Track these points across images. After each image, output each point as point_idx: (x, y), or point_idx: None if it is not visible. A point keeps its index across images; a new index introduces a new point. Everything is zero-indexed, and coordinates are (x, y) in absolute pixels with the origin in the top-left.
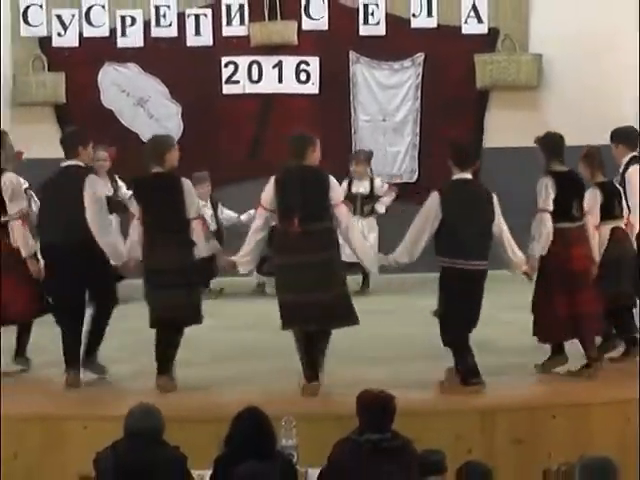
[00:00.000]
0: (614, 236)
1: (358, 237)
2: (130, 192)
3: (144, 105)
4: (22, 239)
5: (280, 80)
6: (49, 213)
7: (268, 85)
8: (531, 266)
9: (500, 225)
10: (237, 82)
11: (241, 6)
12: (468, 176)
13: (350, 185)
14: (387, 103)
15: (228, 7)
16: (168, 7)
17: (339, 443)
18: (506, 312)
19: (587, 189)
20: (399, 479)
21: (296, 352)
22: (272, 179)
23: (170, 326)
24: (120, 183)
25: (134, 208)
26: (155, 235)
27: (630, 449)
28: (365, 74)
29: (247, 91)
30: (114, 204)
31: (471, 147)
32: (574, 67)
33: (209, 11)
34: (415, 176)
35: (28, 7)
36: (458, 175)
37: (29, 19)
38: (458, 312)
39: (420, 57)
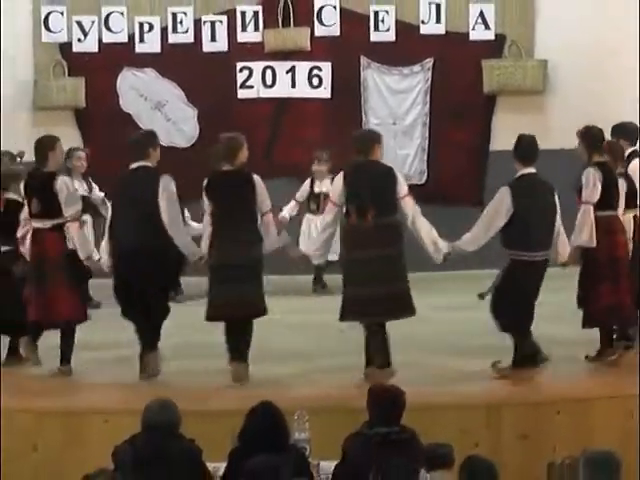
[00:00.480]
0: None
1: (426, 227)
2: (102, 194)
3: (161, 109)
4: (79, 241)
5: (293, 85)
6: (123, 214)
7: (281, 89)
8: (572, 256)
9: (558, 217)
10: (251, 87)
11: (255, 13)
12: (533, 170)
13: (312, 184)
14: (397, 107)
15: (243, 14)
16: (185, 14)
17: (350, 437)
18: None
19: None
20: (406, 470)
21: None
22: (340, 175)
23: (235, 319)
24: (94, 185)
25: (205, 205)
26: (226, 230)
27: (632, 443)
28: (376, 79)
29: (261, 95)
30: (87, 205)
31: (535, 143)
32: (578, 72)
33: (224, 18)
34: (424, 178)
35: (49, 14)
36: (524, 170)
37: (50, 25)
38: (523, 299)
39: (429, 62)
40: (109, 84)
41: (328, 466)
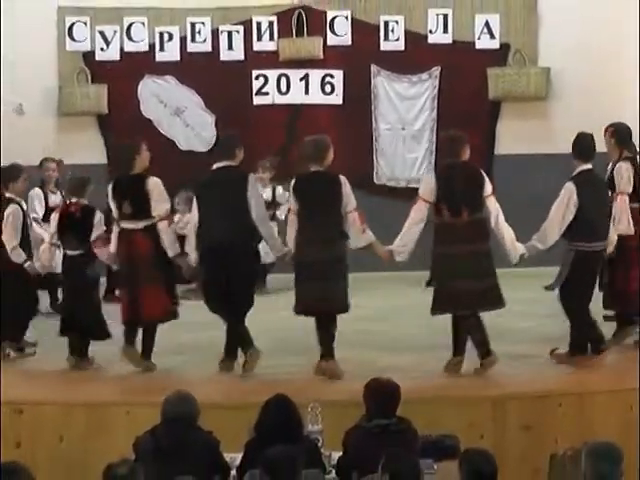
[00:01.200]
0: None
1: (507, 226)
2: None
3: (181, 115)
4: (168, 240)
5: (307, 92)
6: (214, 212)
7: (295, 96)
8: (612, 244)
9: None
10: (267, 93)
11: (271, 23)
12: (590, 166)
13: None
14: (406, 113)
15: (259, 24)
16: (203, 24)
17: (350, 431)
18: (518, 304)
19: None
20: (405, 458)
21: None
22: (431, 175)
23: (321, 314)
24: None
25: (291, 204)
26: (312, 228)
27: (631, 436)
28: (385, 86)
29: (276, 102)
30: None
31: (592, 141)
32: (580, 79)
33: (241, 28)
34: None
35: (73, 24)
36: (583, 166)
37: (74, 35)
38: (589, 288)
39: (436, 70)
40: (130, 91)
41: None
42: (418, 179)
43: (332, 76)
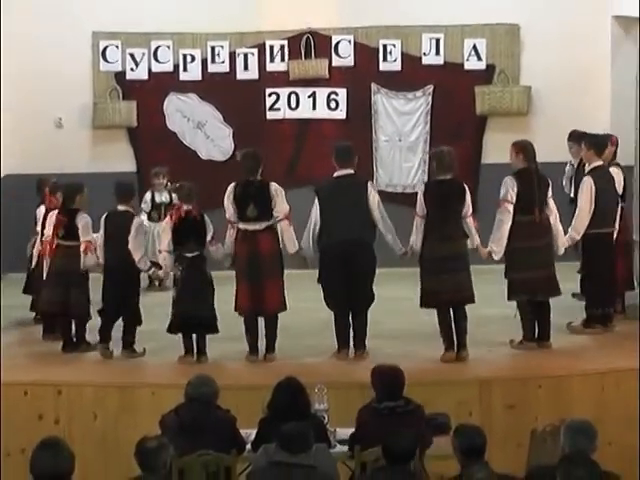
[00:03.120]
0: None
1: (559, 223)
2: None
3: (202, 128)
4: (289, 237)
5: (314, 108)
6: (336, 216)
7: (304, 112)
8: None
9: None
10: (278, 109)
11: (282, 46)
12: (602, 162)
13: (153, 195)
14: (402, 126)
15: (271, 47)
16: (222, 47)
17: (362, 410)
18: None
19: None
20: (412, 437)
21: None
22: (512, 178)
23: (450, 305)
24: None
25: (419, 208)
26: (439, 229)
27: (604, 415)
28: (384, 103)
29: (286, 117)
30: None
31: (607, 140)
32: (557, 97)
33: (255, 50)
34: None
35: (106, 47)
36: (597, 162)
37: (107, 57)
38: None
39: (430, 88)
40: (157, 107)
41: (343, 432)
42: (413, 185)
43: (337, 94)
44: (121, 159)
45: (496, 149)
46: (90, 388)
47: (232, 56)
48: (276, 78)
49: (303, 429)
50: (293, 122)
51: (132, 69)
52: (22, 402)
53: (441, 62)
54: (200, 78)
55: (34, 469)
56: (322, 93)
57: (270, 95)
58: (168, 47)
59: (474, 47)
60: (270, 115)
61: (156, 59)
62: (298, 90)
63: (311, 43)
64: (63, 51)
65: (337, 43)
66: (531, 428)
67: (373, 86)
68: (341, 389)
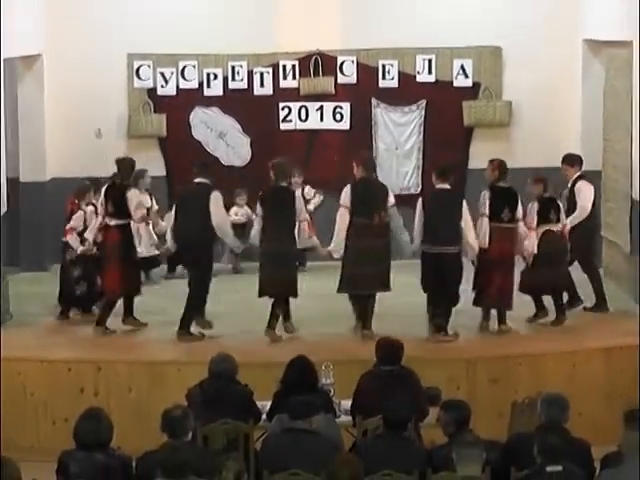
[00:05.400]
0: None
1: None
2: None
3: (223, 137)
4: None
5: (321, 119)
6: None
7: (313, 123)
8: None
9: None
10: (290, 121)
11: (293, 66)
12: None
13: None
14: (399, 136)
15: (284, 66)
16: (241, 66)
17: (364, 374)
18: None
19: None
20: (407, 397)
21: None
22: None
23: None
24: None
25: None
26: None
27: (575, 388)
28: (383, 115)
29: (297, 128)
30: None
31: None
32: (535, 110)
33: (270, 69)
34: (419, 189)
35: (140, 66)
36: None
37: (140, 75)
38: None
39: (423, 103)
40: (184, 119)
41: (347, 404)
42: (409, 188)
43: (341, 107)
44: (153, 165)
45: (481, 156)
46: (125, 365)
47: (250, 74)
48: (288, 94)
49: (310, 401)
50: (303, 132)
51: (162, 86)
52: (66, 377)
53: (433, 80)
54: (222, 94)
55: (78, 436)
56: (329, 107)
57: (283, 108)
58: (194, 67)
59: (462, 67)
60: (283, 126)
61: (183, 77)
62: (307, 104)
63: (319, 63)
64: (103, 70)
65: (342, 63)
66: (512, 400)
67: (373, 101)
68: (345, 365)
